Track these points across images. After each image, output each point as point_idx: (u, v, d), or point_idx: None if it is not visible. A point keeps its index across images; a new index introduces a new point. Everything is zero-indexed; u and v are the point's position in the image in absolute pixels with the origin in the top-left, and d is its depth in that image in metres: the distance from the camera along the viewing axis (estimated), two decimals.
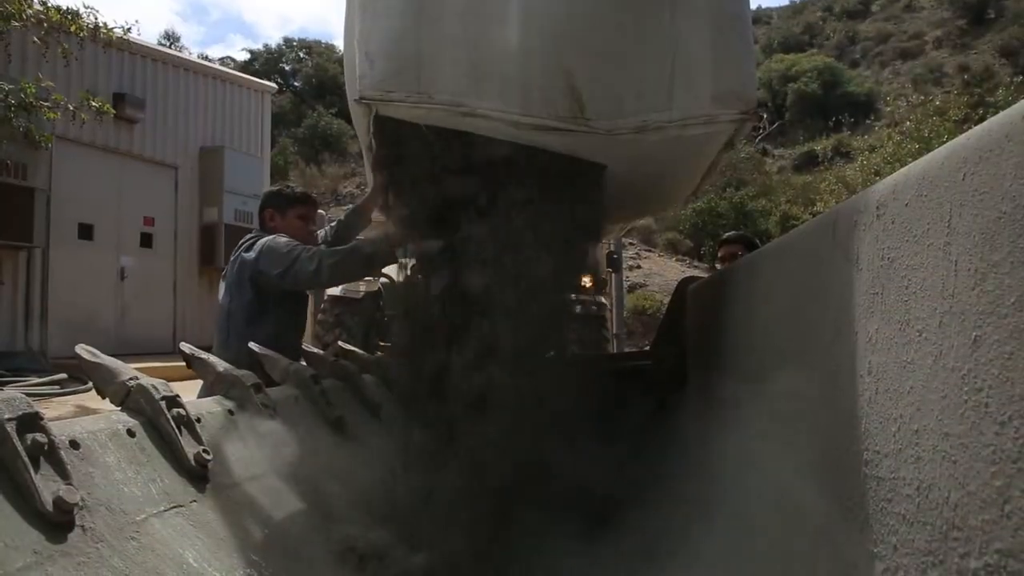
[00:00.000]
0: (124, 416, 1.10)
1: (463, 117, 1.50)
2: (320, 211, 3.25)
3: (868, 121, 22.22)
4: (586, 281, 6.59)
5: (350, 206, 3.16)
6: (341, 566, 1.22)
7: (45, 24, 5.88)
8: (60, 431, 0.93)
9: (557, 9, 1.46)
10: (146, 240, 8.83)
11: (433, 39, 1.48)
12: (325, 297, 6.47)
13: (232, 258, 2.47)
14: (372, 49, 1.51)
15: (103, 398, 1.18)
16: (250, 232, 2.54)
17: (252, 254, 2.35)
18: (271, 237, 2.39)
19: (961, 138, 0.66)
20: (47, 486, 0.85)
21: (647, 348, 2.89)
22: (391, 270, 2.63)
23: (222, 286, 2.51)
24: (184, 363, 1.55)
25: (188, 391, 1.39)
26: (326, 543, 1.24)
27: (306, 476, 1.34)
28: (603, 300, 6.74)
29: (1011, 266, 0.56)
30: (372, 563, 1.25)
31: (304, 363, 1.79)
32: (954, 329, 0.64)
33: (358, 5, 1.59)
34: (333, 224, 2.83)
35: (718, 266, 3.57)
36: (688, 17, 1.51)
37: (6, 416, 0.84)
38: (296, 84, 28.88)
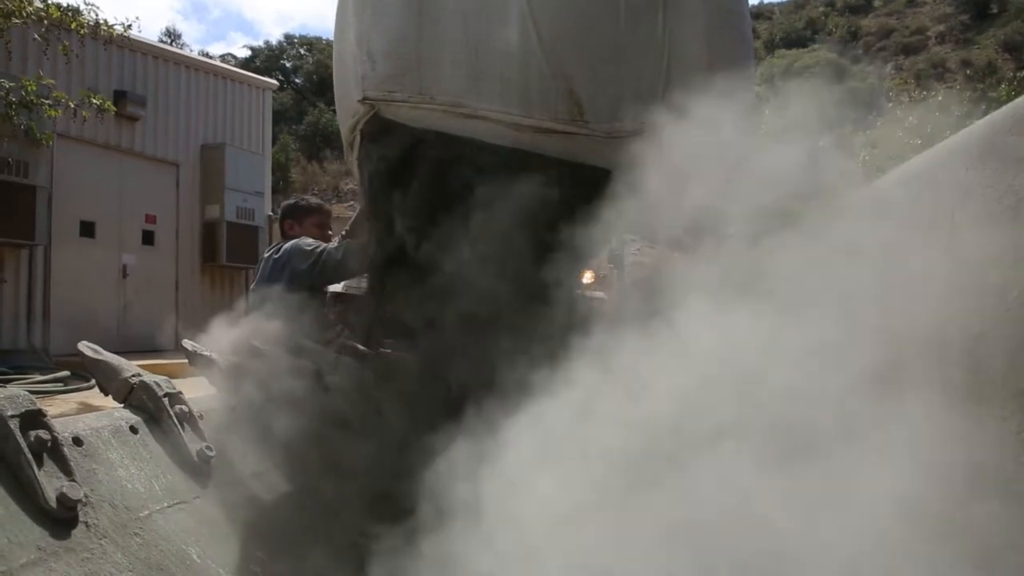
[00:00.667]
0: (127, 413, 1.10)
1: (464, 119, 1.49)
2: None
3: (870, 117, 22.13)
4: (587, 277, 6.60)
5: (352, 203, 3.25)
6: (343, 561, 1.22)
7: (45, 21, 5.87)
8: (63, 428, 0.93)
9: (555, 12, 1.46)
10: (148, 237, 8.82)
11: (433, 40, 1.48)
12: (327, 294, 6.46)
13: (263, 259, 2.72)
14: (374, 49, 1.51)
15: (106, 395, 1.18)
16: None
17: (281, 255, 2.56)
18: (299, 239, 2.62)
19: (963, 133, 0.66)
20: (50, 483, 0.85)
21: None
22: None
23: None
24: (186, 360, 1.56)
25: (190, 388, 1.40)
26: (329, 539, 1.24)
27: (309, 472, 1.35)
28: (604, 296, 6.72)
29: (1014, 261, 0.55)
30: (374, 559, 1.25)
31: (307, 360, 1.80)
32: (957, 323, 0.64)
33: (353, 5, 1.58)
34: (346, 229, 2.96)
35: None
36: (681, 16, 1.50)
37: (9, 413, 0.85)
38: (297, 81, 28.82)
